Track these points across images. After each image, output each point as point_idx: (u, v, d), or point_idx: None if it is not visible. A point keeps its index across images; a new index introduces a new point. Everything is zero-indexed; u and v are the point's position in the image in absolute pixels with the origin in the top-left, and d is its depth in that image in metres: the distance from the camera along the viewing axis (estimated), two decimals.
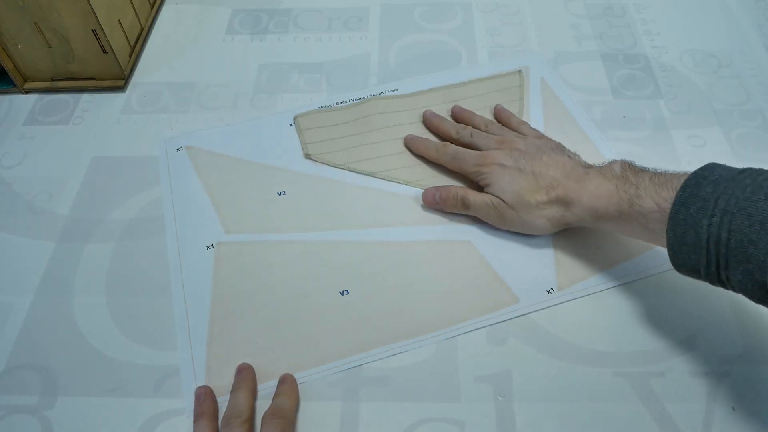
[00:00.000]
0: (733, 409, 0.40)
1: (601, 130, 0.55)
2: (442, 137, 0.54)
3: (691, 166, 0.52)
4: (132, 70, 0.63)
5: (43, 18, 0.55)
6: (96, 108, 0.60)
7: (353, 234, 0.50)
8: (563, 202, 0.44)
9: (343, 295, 0.46)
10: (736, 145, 0.54)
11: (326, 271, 0.48)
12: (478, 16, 0.67)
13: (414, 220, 0.50)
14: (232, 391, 0.41)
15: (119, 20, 0.60)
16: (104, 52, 0.59)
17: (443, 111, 0.57)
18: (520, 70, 0.61)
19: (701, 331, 0.43)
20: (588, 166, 0.46)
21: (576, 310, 0.45)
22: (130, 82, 0.63)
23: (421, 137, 0.54)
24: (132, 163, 0.56)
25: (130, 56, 0.63)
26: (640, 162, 0.52)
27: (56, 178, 0.55)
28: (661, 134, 0.55)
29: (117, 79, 0.62)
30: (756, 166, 0.52)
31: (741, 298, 0.44)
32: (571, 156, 0.47)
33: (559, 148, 0.48)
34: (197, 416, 0.39)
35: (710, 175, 0.38)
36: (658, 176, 0.41)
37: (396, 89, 0.60)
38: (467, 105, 0.58)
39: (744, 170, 0.38)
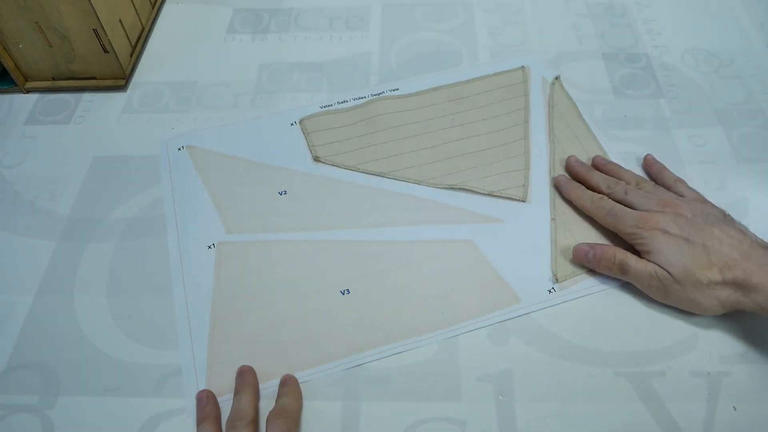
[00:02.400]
0: (735, 408, 0.40)
1: (602, 130, 0.55)
2: (590, 188, 0.50)
3: (692, 166, 0.52)
4: (133, 70, 0.63)
5: (44, 17, 0.56)
6: (97, 107, 0.60)
7: (354, 233, 0.50)
8: (741, 286, 0.40)
9: (344, 294, 0.46)
10: (738, 144, 0.54)
11: (327, 271, 0.48)
12: (479, 16, 0.67)
13: (415, 220, 0.50)
14: (235, 394, 0.41)
15: (120, 20, 0.60)
16: (105, 51, 0.59)
17: (448, 108, 0.58)
18: (523, 66, 0.61)
19: (702, 330, 0.43)
20: (765, 245, 0.42)
21: (577, 310, 0.45)
22: (131, 82, 0.63)
23: (575, 183, 0.50)
24: (133, 163, 0.56)
25: (131, 56, 0.63)
26: (640, 163, 0.53)
27: (57, 178, 0.55)
28: (662, 134, 0.55)
29: (118, 79, 0.62)
30: (757, 164, 0.52)
31: None
32: (744, 230, 0.43)
33: (728, 220, 0.44)
34: (200, 420, 0.40)
35: None
36: None
37: (397, 89, 0.60)
38: (471, 102, 0.58)
39: None
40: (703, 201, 0.46)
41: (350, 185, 0.53)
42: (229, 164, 0.55)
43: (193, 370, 0.43)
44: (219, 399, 0.42)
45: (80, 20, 0.56)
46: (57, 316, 0.46)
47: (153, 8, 0.69)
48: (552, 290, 0.46)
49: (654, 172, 0.51)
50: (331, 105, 0.59)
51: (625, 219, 0.45)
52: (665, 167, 0.51)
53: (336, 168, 0.54)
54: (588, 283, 0.46)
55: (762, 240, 0.43)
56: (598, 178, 0.50)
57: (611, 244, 0.46)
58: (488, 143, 0.55)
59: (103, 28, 0.57)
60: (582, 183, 0.50)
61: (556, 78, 0.59)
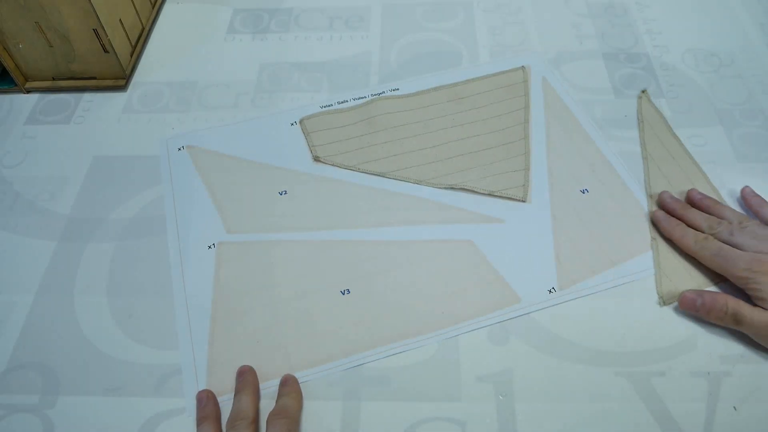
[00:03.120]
0: (735, 408, 0.40)
1: (602, 130, 0.55)
2: (689, 226, 0.47)
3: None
4: (133, 70, 0.63)
5: (44, 17, 0.56)
6: (97, 107, 0.60)
7: (354, 233, 0.50)
8: None
9: (344, 294, 0.46)
10: (738, 144, 0.54)
11: (327, 271, 0.48)
12: (480, 16, 0.67)
13: (415, 220, 0.50)
14: (235, 394, 0.41)
15: (120, 20, 0.60)
16: (105, 51, 0.59)
17: (448, 108, 0.58)
18: (523, 66, 0.61)
19: (702, 330, 0.43)
20: None
21: (577, 310, 0.45)
22: (131, 82, 0.63)
23: (675, 221, 0.47)
24: (133, 163, 0.56)
25: (131, 56, 0.63)
26: (641, 163, 0.53)
27: (57, 178, 0.55)
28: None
29: (118, 79, 0.62)
30: (758, 164, 0.52)
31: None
32: None
33: None
34: (200, 420, 0.40)
35: None
36: None
37: (397, 89, 0.60)
38: (471, 102, 0.58)
39: None
40: None
41: (350, 185, 0.53)
42: (230, 164, 0.55)
43: (193, 369, 0.43)
44: (219, 399, 0.42)
45: (80, 20, 0.56)
46: (57, 316, 0.46)
47: (153, 8, 0.69)
48: (552, 290, 0.46)
49: (754, 206, 0.48)
50: (332, 105, 0.59)
51: (736, 262, 0.42)
52: (766, 201, 0.47)
53: (336, 168, 0.54)
54: (588, 282, 0.46)
55: None
56: (697, 217, 0.47)
57: (720, 291, 0.44)
58: (488, 143, 0.55)
59: (103, 28, 0.57)
60: (679, 219, 0.47)
61: (643, 91, 0.58)
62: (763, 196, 0.48)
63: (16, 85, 0.61)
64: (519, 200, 0.51)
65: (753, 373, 0.41)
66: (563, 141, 0.55)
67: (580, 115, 0.56)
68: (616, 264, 0.47)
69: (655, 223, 0.48)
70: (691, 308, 0.43)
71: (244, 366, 0.42)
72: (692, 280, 0.45)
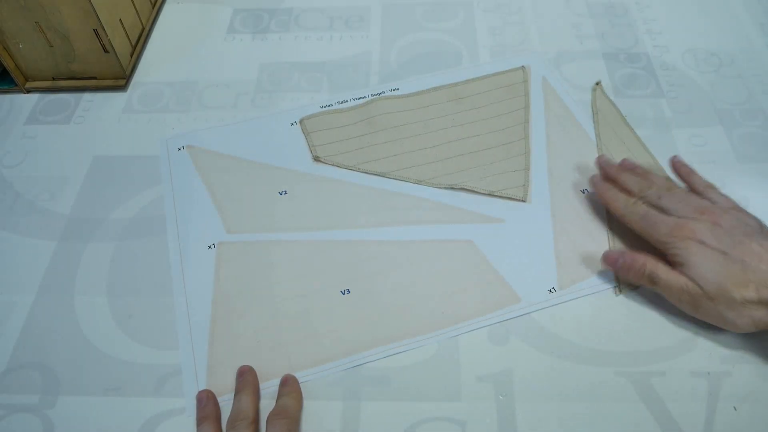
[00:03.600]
0: (735, 408, 0.40)
1: None
2: (621, 190, 0.47)
3: (693, 166, 0.52)
4: (133, 70, 0.63)
5: (44, 17, 0.56)
6: (97, 107, 0.61)
7: (354, 233, 0.50)
8: None
9: (344, 294, 0.46)
10: (738, 144, 0.54)
11: (327, 271, 0.48)
12: (480, 15, 0.67)
13: (415, 220, 0.50)
14: (235, 394, 0.41)
15: (120, 20, 0.60)
16: (105, 51, 0.59)
17: (448, 108, 0.58)
18: (523, 66, 0.61)
19: (703, 329, 0.43)
20: None
21: (577, 310, 0.45)
22: (131, 82, 0.63)
23: (607, 184, 0.48)
24: (133, 163, 0.56)
25: (131, 56, 0.63)
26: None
27: (57, 178, 0.55)
28: (663, 133, 0.55)
29: (118, 79, 0.62)
30: (758, 165, 0.52)
31: None
32: None
33: (766, 231, 0.42)
34: (200, 420, 0.40)
35: None
36: None
37: (397, 88, 0.60)
38: (471, 102, 0.58)
39: None
40: (740, 209, 0.44)
41: (350, 185, 0.53)
42: (230, 164, 0.55)
43: (194, 369, 0.43)
44: (219, 399, 0.42)
45: (80, 20, 0.56)
46: (57, 316, 0.46)
47: (153, 8, 0.69)
48: (552, 290, 0.46)
49: (683, 174, 0.48)
50: (332, 105, 0.59)
51: (659, 227, 0.43)
52: (695, 171, 0.48)
53: (336, 168, 0.54)
54: (588, 282, 0.46)
55: None
56: (629, 180, 0.47)
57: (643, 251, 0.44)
58: (488, 143, 0.55)
59: (103, 28, 0.57)
60: (613, 184, 0.48)
61: (597, 83, 0.58)
62: (693, 168, 0.48)
63: (16, 84, 0.61)
64: (519, 200, 0.51)
65: (753, 373, 0.41)
66: (563, 141, 0.55)
67: (580, 115, 0.56)
68: None
69: (590, 184, 0.50)
70: (613, 266, 0.45)
71: (244, 366, 0.42)
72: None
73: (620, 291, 0.45)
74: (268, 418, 0.39)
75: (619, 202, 0.46)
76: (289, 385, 0.41)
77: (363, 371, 0.43)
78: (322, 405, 0.41)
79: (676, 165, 0.49)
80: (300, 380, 0.42)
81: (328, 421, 0.41)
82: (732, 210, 0.43)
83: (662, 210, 0.44)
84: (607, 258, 0.45)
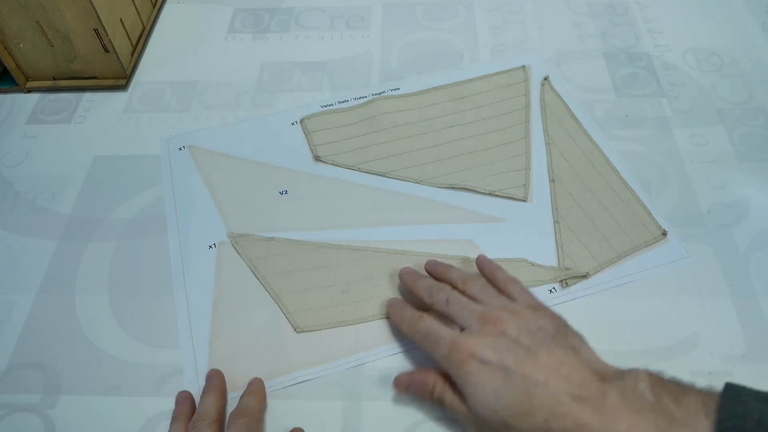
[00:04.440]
0: None
1: (603, 129, 0.55)
2: (417, 300, 0.42)
3: (693, 165, 0.52)
4: (134, 69, 0.63)
5: (45, 17, 0.56)
6: (98, 107, 0.61)
7: (355, 233, 0.50)
8: None
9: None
10: (739, 144, 0.54)
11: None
12: (480, 15, 0.67)
13: (415, 220, 0.50)
14: (201, 396, 0.41)
15: (121, 19, 0.60)
16: (106, 51, 0.59)
17: (449, 108, 0.57)
18: (524, 66, 0.61)
19: (703, 330, 0.43)
20: (603, 377, 0.33)
21: (577, 310, 0.45)
22: (131, 81, 0.63)
23: (401, 301, 0.44)
24: (134, 162, 0.56)
25: (132, 55, 0.63)
26: (642, 163, 0.53)
27: (58, 177, 0.55)
28: (664, 133, 0.55)
29: (119, 78, 0.62)
30: (759, 164, 0.52)
31: (743, 297, 0.45)
32: (578, 350, 0.35)
33: (561, 334, 0.36)
34: (173, 419, 0.40)
35: (745, 411, 0.29)
36: (699, 399, 0.31)
37: (398, 88, 0.60)
38: (472, 102, 0.58)
39: None
40: (535, 308, 0.38)
41: (351, 185, 0.53)
42: (230, 164, 0.55)
43: (194, 369, 0.43)
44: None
45: (81, 20, 0.56)
46: (58, 316, 0.46)
47: (154, 8, 0.69)
48: (553, 290, 0.46)
49: (486, 274, 0.42)
50: (332, 104, 0.59)
51: (439, 347, 0.37)
52: (499, 268, 0.42)
53: (337, 168, 0.54)
54: (589, 282, 0.46)
55: (601, 364, 0.35)
56: (421, 286, 0.42)
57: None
58: (489, 142, 0.55)
59: (104, 27, 0.57)
60: (412, 290, 0.43)
61: (545, 78, 0.59)
62: (495, 264, 0.43)
63: (17, 84, 0.61)
64: (520, 200, 0.51)
65: (753, 373, 0.41)
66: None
67: (580, 114, 0.56)
68: (616, 264, 0.47)
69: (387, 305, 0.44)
70: (405, 391, 0.40)
71: (213, 370, 0.43)
72: (593, 260, 0.47)
73: (567, 285, 0.45)
74: (229, 417, 0.39)
75: (404, 321, 0.41)
76: (252, 386, 0.41)
77: (364, 371, 0.43)
78: (323, 405, 0.41)
79: (480, 264, 0.44)
80: (300, 380, 0.42)
81: (329, 421, 0.41)
82: (525, 310, 0.37)
83: (450, 317, 0.39)
84: (397, 384, 0.40)
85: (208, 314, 0.46)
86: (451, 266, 0.44)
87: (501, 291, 0.40)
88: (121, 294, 0.47)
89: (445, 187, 0.52)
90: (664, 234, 0.48)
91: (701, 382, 0.40)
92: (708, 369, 0.41)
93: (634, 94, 0.58)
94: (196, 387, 0.42)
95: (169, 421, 0.40)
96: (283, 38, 0.66)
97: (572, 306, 0.45)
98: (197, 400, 0.42)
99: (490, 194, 0.51)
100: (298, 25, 0.67)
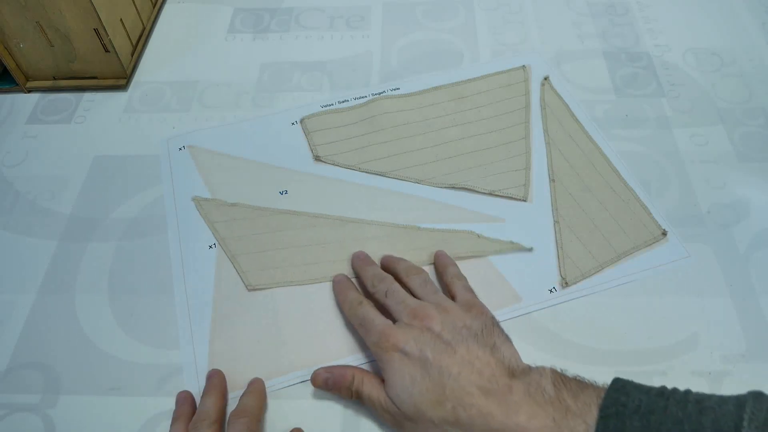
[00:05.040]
0: None
1: (603, 129, 0.55)
2: (363, 285, 0.45)
3: (694, 165, 0.52)
4: (134, 69, 0.63)
5: (45, 17, 0.56)
6: (98, 107, 0.61)
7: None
8: (479, 429, 0.34)
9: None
10: (739, 143, 0.54)
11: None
12: (480, 15, 0.67)
13: (416, 219, 0.50)
14: (202, 396, 0.41)
15: (121, 19, 0.60)
16: (106, 51, 0.59)
17: (449, 108, 0.58)
18: (524, 66, 0.61)
19: (703, 329, 0.43)
20: (512, 373, 0.35)
21: (578, 309, 0.45)
22: (132, 81, 0.63)
23: (347, 280, 0.46)
24: (134, 162, 0.56)
25: (132, 55, 0.63)
26: (642, 163, 0.53)
27: (58, 177, 0.55)
28: (664, 133, 0.55)
29: (119, 78, 0.62)
30: (759, 164, 0.52)
31: (743, 297, 0.45)
32: (497, 348, 0.37)
33: (485, 333, 0.38)
34: (173, 420, 0.40)
35: (628, 400, 0.31)
36: (595, 394, 0.33)
37: (398, 88, 0.60)
38: (472, 102, 0.58)
39: (662, 392, 0.32)
40: (468, 308, 0.40)
41: (351, 185, 0.53)
42: (231, 164, 0.55)
43: (194, 369, 0.43)
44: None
45: (81, 20, 0.56)
46: (58, 316, 0.46)
47: (154, 8, 0.69)
48: (553, 290, 0.46)
49: (438, 267, 0.46)
50: (332, 104, 0.59)
51: (371, 335, 0.39)
52: (453, 264, 0.45)
53: (337, 167, 0.54)
54: (589, 282, 0.46)
55: (515, 361, 0.37)
56: (367, 274, 0.44)
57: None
58: (489, 142, 0.55)
59: (104, 27, 0.57)
60: (359, 275, 0.46)
61: (546, 78, 0.59)
62: (451, 258, 0.46)
63: (17, 84, 0.61)
64: (520, 200, 0.51)
65: (754, 373, 0.41)
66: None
67: (581, 114, 0.56)
68: (616, 264, 0.47)
69: (333, 280, 0.46)
70: (323, 386, 0.41)
71: (213, 370, 0.43)
72: (593, 260, 0.47)
73: (567, 284, 0.45)
74: (229, 417, 0.39)
75: (346, 302, 0.43)
76: (253, 385, 0.41)
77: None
78: (323, 405, 0.41)
79: (436, 257, 0.47)
80: (301, 380, 0.42)
81: (329, 420, 0.41)
82: (455, 309, 0.39)
83: (388, 309, 0.41)
84: (315, 379, 0.41)
85: (208, 314, 0.46)
86: (401, 259, 0.46)
87: (447, 285, 0.44)
88: (121, 294, 0.47)
89: (446, 187, 0.52)
90: (664, 234, 0.48)
91: (701, 382, 0.41)
92: (708, 369, 0.41)
93: (634, 94, 0.58)
94: (196, 387, 0.42)
95: (169, 421, 0.40)
96: (283, 38, 0.66)
97: (572, 306, 0.45)
98: (197, 399, 0.42)
99: (490, 194, 0.51)
100: (298, 25, 0.67)
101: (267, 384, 0.42)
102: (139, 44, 0.65)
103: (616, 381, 0.33)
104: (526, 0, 0.68)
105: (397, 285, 0.43)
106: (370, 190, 0.52)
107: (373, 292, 0.43)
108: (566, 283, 0.46)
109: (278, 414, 0.41)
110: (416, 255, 0.48)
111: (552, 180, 0.52)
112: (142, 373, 0.43)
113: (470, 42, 0.64)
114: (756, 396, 0.30)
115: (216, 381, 0.42)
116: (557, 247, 0.48)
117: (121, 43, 0.60)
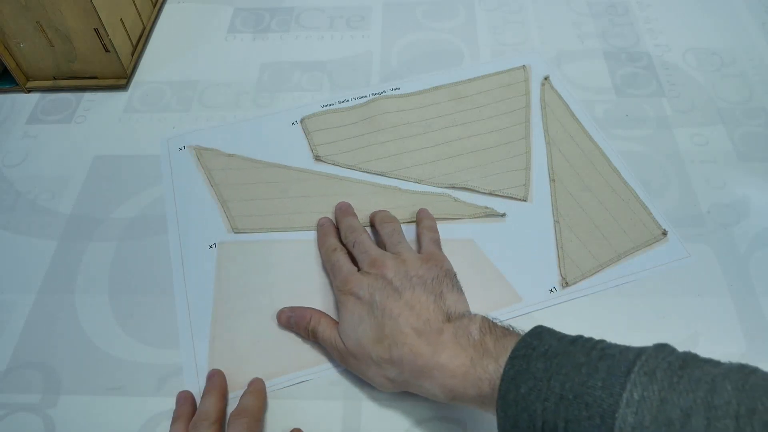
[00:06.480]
0: None
1: (603, 129, 0.55)
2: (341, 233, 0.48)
3: (694, 165, 0.52)
4: (134, 69, 0.63)
5: (45, 17, 0.56)
6: (98, 107, 0.61)
7: None
8: (409, 369, 0.37)
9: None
10: (739, 143, 0.54)
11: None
12: (481, 15, 0.67)
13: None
14: (202, 396, 0.41)
15: (121, 19, 0.60)
16: (106, 51, 0.59)
17: (449, 108, 0.58)
18: (524, 65, 0.61)
19: (703, 329, 0.43)
20: (448, 318, 0.38)
21: (578, 309, 0.45)
22: (132, 81, 0.63)
23: (330, 225, 0.49)
24: (134, 162, 0.56)
25: (132, 55, 0.63)
26: (642, 163, 0.53)
27: (58, 177, 0.55)
28: (664, 133, 0.55)
29: (119, 78, 0.62)
30: (759, 164, 0.52)
31: (743, 297, 0.45)
32: (442, 296, 0.39)
33: (436, 283, 0.40)
34: (173, 420, 0.40)
35: (539, 345, 0.33)
36: (515, 339, 0.34)
37: (398, 88, 0.60)
38: (472, 102, 0.58)
39: (575, 340, 0.33)
40: (426, 260, 0.42)
41: (351, 185, 0.53)
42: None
43: (194, 369, 0.43)
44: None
45: (81, 20, 0.56)
46: (58, 316, 0.46)
47: (154, 7, 0.69)
48: (553, 290, 0.46)
49: (417, 219, 0.49)
50: (333, 104, 0.59)
51: (335, 279, 0.44)
52: (429, 217, 0.48)
53: (337, 167, 0.54)
54: (589, 282, 0.46)
55: (455, 308, 0.39)
56: (343, 225, 0.48)
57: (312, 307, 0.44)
58: (489, 142, 0.55)
59: (104, 27, 0.57)
60: (339, 224, 0.49)
61: (546, 78, 0.59)
62: (435, 223, 0.48)
63: (17, 84, 0.61)
64: (520, 199, 0.51)
65: None
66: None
67: (581, 114, 0.56)
68: (616, 263, 0.47)
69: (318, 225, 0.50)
70: (285, 324, 0.44)
71: (213, 370, 0.43)
72: (593, 260, 0.47)
73: (567, 284, 0.46)
74: (229, 417, 0.39)
75: (323, 247, 0.47)
76: (253, 385, 0.41)
77: None
78: (323, 405, 0.41)
79: (418, 213, 0.49)
80: (300, 380, 0.42)
81: (329, 420, 0.41)
82: (412, 260, 0.42)
83: (355, 258, 0.45)
84: (280, 317, 0.45)
85: (208, 314, 0.46)
86: (381, 210, 0.49)
87: (417, 236, 0.47)
88: (121, 294, 0.47)
89: (446, 187, 0.52)
90: (665, 234, 0.48)
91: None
92: None
93: (634, 94, 0.58)
94: (196, 387, 0.42)
95: (169, 421, 0.40)
96: (283, 38, 0.66)
97: (572, 306, 0.45)
98: (197, 399, 0.42)
99: (490, 194, 0.51)
100: (298, 24, 0.67)
101: (267, 384, 0.42)
102: (139, 44, 0.65)
103: (536, 328, 0.35)
104: (527, 0, 0.68)
105: (365, 236, 0.46)
106: (374, 190, 0.52)
107: (345, 242, 0.46)
108: (566, 282, 0.46)
109: (278, 414, 0.41)
110: (396, 212, 0.49)
111: (552, 180, 0.52)
112: (142, 373, 0.43)
113: (470, 42, 0.64)
114: (658, 347, 0.32)
115: (216, 381, 0.42)
116: (557, 246, 0.48)
117: (121, 43, 0.60)
